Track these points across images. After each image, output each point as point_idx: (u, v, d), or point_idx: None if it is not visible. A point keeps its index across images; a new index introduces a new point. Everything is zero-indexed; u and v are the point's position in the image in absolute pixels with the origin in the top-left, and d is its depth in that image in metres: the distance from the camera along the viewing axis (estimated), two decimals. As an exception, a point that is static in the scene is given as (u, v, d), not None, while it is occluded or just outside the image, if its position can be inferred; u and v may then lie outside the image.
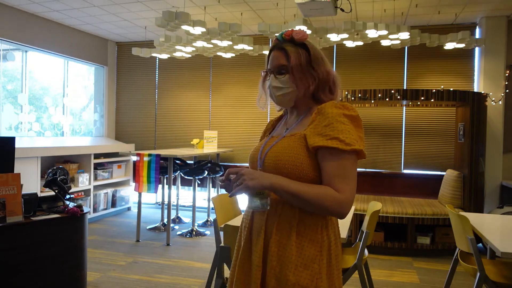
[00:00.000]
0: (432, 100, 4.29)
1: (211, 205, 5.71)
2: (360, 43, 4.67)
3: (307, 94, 1.34)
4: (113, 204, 5.96)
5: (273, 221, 1.27)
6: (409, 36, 4.28)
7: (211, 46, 4.87)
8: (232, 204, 2.92)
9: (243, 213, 1.48)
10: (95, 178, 5.55)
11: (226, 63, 6.14)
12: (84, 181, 5.29)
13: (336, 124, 1.20)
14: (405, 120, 5.36)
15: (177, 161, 5.25)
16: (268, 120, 5.84)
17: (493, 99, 4.83)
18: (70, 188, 2.88)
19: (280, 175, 1.23)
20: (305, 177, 1.22)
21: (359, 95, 4.44)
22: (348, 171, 1.19)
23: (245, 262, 1.33)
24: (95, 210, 5.55)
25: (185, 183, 6.19)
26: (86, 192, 5.39)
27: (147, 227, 5.24)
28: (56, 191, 2.81)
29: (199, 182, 5.72)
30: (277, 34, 1.39)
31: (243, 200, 1.48)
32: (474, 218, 2.68)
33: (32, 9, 5.02)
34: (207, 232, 5.07)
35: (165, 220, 5.18)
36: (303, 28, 3.92)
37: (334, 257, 1.28)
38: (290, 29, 1.36)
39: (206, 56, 5.98)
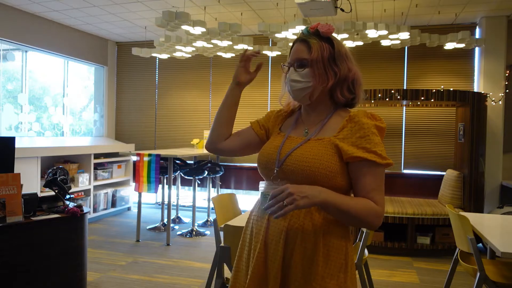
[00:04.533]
0: (432, 100, 4.29)
1: (211, 205, 5.71)
2: (360, 43, 4.66)
3: (325, 91, 1.28)
4: (113, 204, 5.96)
5: (297, 230, 1.20)
6: (409, 36, 4.28)
7: (211, 46, 4.87)
8: (232, 204, 2.92)
9: (248, 213, 1.40)
10: (95, 178, 5.55)
11: (226, 63, 6.13)
12: (84, 181, 5.29)
13: (372, 137, 1.19)
14: (405, 120, 5.36)
15: (177, 161, 5.25)
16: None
17: (493, 99, 4.83)
18: (70, 188, 2.88)
19: (307, 181, 1.18)
20: (335, 185, 1.19)
21: (359, 95, 4.43)
22: (382, 184, 1.20)
23: (260, 272, 1.23)
24: (95, 210, 5.55)
25: (185, 183, 6.19)
26: (86, 192, 5.39)
27: (147, 227, 5.24)
28: (56, 191, 2.81)
29: (199, 182, 5.72)
30: (302, 29, 1.33)
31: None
32: (474, 218, 2.68)
33: (32, 9, 5.02)
34: (207, 232, 5.07)
35: (165, 220, 5.18)
36: (303, 28, 3.92)
37: (352, 262, 1.25)
38: (316, 23, 1.30)
39: (206, 56, 5.98)
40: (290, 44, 1.37)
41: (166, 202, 5.17)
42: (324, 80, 1.26)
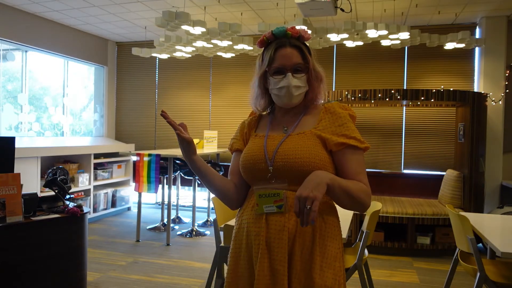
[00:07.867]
0: (432, 100, 4.29)
1: (211, 205, 5.71)
2: (360, 43, 4.67)
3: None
4: (113, 204, 5.96)
5: (295, 224, 1.22)
6: (409, 36, 4.28)
7: (211, 46, 4.87)
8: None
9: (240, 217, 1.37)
10: (95, 178, 5.55)
11: (226, 63, 6.13)
12: (84, 181, 5.29)
13: (349, 124, 1.29)
14: (405, 120, 5.36)
15: (177, 161, 5.25)
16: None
17: (493, 99, 4.83)
18: (70, 188, 2.88)
19: (300, 174, 1.20)
20: None
21: (359, 95, 4.44)
22: (364, 166, 1.30)
23: (265, 273, 1.21)
24: (95, 210, 5.55)
25: (185, 183, 6.19)
26: (86, 192, 5.39)
27: (147, 227, 5.24)
28: (56, 191, 2.81)
29: (199, 182, 5.72)
30: (274, 30, 1.31)
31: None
32: (474, 218, 2.68)
33: (32, 9, 5.02)
34: (207, 232, 5.07)
35: (165, 220, 5.18)
36: (303, 28, 3.92)
37: (343, 251, 1.32)
38: (290, 27, 1.32)
39: (206, 56, 5.98)
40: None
41: (166, 202, 5.17)
42: (315, 84, 1.33)
